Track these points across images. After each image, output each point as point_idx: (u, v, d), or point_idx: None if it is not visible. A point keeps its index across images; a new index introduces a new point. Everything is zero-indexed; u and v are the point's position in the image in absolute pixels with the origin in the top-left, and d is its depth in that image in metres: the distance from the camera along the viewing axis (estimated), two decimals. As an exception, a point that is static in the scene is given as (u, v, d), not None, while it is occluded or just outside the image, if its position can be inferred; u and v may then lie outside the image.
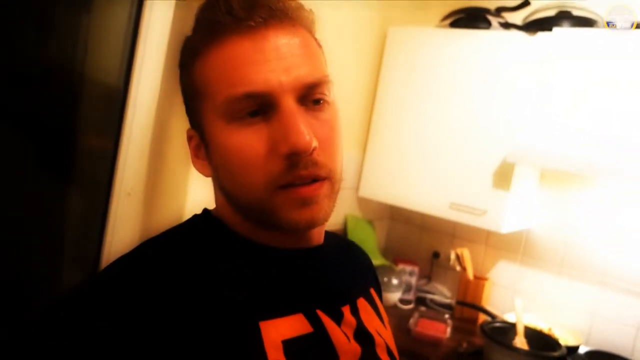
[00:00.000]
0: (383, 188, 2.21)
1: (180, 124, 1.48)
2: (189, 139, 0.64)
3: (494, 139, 1.92)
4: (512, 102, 1.89)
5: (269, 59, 0.55)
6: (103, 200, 1.56)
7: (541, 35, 1.84)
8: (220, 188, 0.63)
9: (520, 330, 1.83)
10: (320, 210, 0.58)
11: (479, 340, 1.92)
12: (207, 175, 0.64)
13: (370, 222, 2.42)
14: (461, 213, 1.98)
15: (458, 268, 2.20)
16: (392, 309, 2.18)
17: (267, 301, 0.58)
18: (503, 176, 1.89)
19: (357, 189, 2.28)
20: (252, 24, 0.55)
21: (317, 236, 0.67)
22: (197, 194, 1.53)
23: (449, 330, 1.96)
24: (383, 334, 0.72)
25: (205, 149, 0.62)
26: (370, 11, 2.18)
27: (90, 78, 1.55)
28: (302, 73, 0.57)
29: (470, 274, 2.17)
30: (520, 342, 1.80)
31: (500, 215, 1.90)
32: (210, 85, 0.57)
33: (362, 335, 0.66)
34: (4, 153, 1.40)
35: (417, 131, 2.11)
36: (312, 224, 0.59)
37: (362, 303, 0.71)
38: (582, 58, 1.80)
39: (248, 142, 0.56)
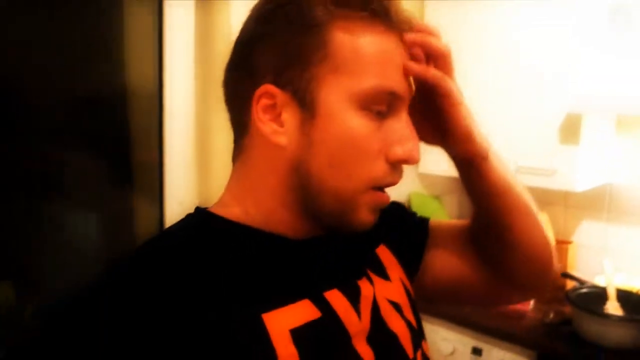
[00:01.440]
0: (445, 161, 2.11)
1: (220, 124, 1.48)
2: (261, 96, 0.56)
3: (555, 91, 1.76)
4: (572, 44, 1.72)
5: (401, 63, 0.58)
6: (158, 210, 1.60)
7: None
8: (292, 161, 0.57)
9: (611, 294, 1.68)
10: (376, 219, 0.60)
11: (567, 309, 1.78)
12: (275, 141, 0.56)
13: (438, 198, 2.32)
14: (529, 176, 1.83)
15: (537, 234, 2.06)
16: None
17: (269, 292, 0.56)
18: (570, 130, 1.74)
19: (417, 164, 2.19)
20: (404, 27, 0.58)
21: None
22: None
23: (532, 301, 1.84)
24: (393, 295, 0.67)
25: (299, 115, 0.56)
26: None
27: (132, 89, 1.60)
28: (412, 89, 0.60)
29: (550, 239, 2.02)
30: (613, 307, 1.65)
31: (572, 172, 1.75)
32: (359, 64, 0.55)
33: (375, 309, 0.63)
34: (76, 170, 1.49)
35: (472, 97, 1.99)
36: (367, 229, 0.60)
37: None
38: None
39: (369, 136, 0.56)
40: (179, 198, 1.56)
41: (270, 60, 0.56)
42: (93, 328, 0.49)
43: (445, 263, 0.76)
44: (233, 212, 0.60)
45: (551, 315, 1.76)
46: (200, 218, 0.62)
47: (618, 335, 1.55)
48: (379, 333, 0.62)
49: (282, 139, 0.56)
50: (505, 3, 1.89)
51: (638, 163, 1.92)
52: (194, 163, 1.55)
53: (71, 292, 0.53)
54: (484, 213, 0.71)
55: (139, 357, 0.48)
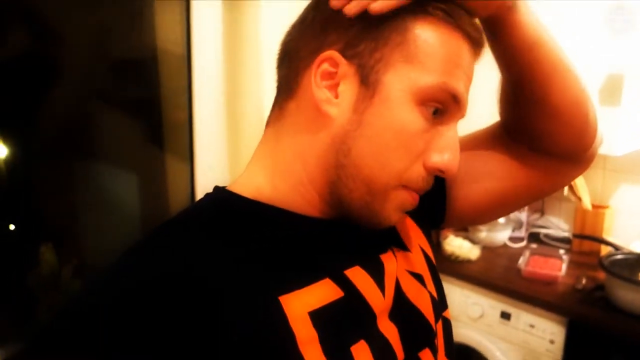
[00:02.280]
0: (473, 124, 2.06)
1: (248, 87, 1.47)
2: (324, 60, 0.54)
3: (596, 50, 1.68)
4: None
5: (469, 78, 0.57)
6: (189, 170, 1.63)
7: None
8: (335, 137, 0.55)
9: (647, 261, 1.64)
10: (402, 218, 0.60)
11: (601, 275, 1.75)
12: (325, 110, 0.55)
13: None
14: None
15: (573, 199, 2.01)
16: (501, 248, 2.06)
17: (288, 273, 0.54)
18: (611, 91, 1.66)
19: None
20: (478, 38, 0.57)
21: None
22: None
23: (564, 267, 1.81)
24: (414, 266, 0.66)
25: (357, 91, 0.54)
26: None
27: (162, 51, 1.61)
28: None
29: (587, 203, 1.97)
30: (648, 274, 1.61)
31: (612, 135, 1.68)
32: (431, 58, 0.53)
33: (397, 284, 0.62)
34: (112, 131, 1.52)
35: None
36: (389, 226, 0.59)
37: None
38: None
39: (418, 133, 0.55)
40: (209, 158, 1.58)
41: (345, 27, 0.54)
42: (111, 309, 0.48)
43: (474, 189, 0.74)
44: (257, 185, 0.59)
45: (583, 282, 1.73)
46: (219, 198, 0.60)
47: (652, 303, 1.51)
48: (402, 308, 0.61)
49: (333, 110, 0.55)
50: None
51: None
52: (223, 124, 1.56)
53: (110, 252, 0.52)
54: (516, 73, 0.65)
55: (157, 340, 0.46)
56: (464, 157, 0.70)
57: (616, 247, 1.82)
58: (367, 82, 0.54)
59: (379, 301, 0.58)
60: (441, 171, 0.57)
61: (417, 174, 0.56)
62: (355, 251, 0.60)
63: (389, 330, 0.58)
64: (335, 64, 0.54)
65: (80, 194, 1.55)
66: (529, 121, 0.69)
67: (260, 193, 0.58)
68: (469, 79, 0.57)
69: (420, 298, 0.64)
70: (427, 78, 0.53)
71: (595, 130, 0.71)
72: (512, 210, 0.87)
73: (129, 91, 1.63)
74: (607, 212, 1.98)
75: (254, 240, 0.56)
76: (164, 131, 1.70)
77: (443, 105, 0.55)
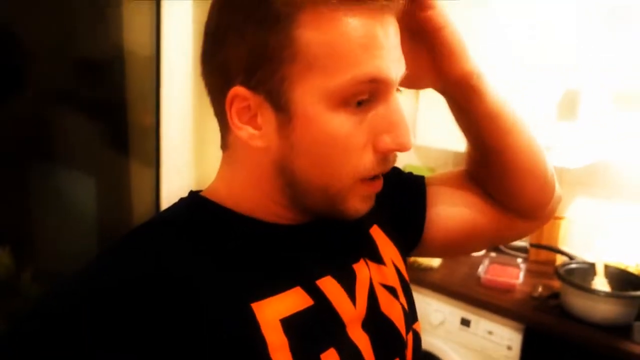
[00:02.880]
0: (442, 134, 2.10)
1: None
2: (233, 99, 0.53)
3: (553, 68, 1.75)
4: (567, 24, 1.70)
5: (389, 47, 0.52)
6: (154, 176, 1.60)
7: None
8: (276, 162, 0.55)
9: (600, 270, 1.70)
10: (371, 204, 0.59)
11: (556, 284, 1.81)
12: (254, 145, 0.54)
13: (432, 170, 2.33)
14: (525, 151, 1.83)
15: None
16: (462, 256, 2.11)
17: (260, 280, 0.55)
18: (568, 106, 1.73)
19: (414, 137, 2.18)
20: (384, 2, 0.51)
21: None
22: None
23: (521, 275, 1.87)
24: (387, 279, 0.67)
25: (274, 118, 0.52)
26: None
27: (129, 52, 1.58)
28: (404, 67, 0.55)
29: (543, 214, 2.03)
30: (601, 282, 1.68)
31: (567, 149, 1.75)
32: (332, 58, 0.49)
33: (371, 294, 0.63)
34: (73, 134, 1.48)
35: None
36: (361, 216, 0.58)
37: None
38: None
39: (351, 132, 0.52)
40: (176, 163, 1.56)
41: (238, 58, 0.52)
42: (92, 308, 0.47)
43: (450, 213, 0.75)
44: (224, 199, 0.59)
45: (540, 290, 1.79)
46: (194, 203, 0.60)
47: (604, 311, 1.57)
48: (375, 318, 0.62)
49: (260, 143, 0.54)
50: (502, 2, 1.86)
51: (633, 141, 1.91)
52: (190, 128, 1.55)
53: (69, 257, 0.52)
54: (481, 140, 0.69)
55: (128, 345, 0.46)
56: (444, 184, 0.76)
57: (571, 257, 1.89)
58: (280, 106, 0.52)
59: (349, 311, 0.59)
60: (395, 150, 0.55)
61: (369, 164, 0.54)
62: (328, 259, 0.61)
63: (361, 340, 0.59)
64: (245, 98, 0.52)
65: (39, 197, 1.51)
66: (491, 179, 0.73)
67: (233, 201, 0.59)
68: (390, 46, 0.52)
69: (393, 309, 0.65)
70: (334, 81, 0.50)
71: (553, 189, 0.75)
72: (476, 248, 0.90)
73: (93, 93, 1.60)
74: (563, 223, 2.05)
75: (228, 246, 0.56)
76: (129, 135, 1.67)
77: (367, 95, 0.52)
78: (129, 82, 1.61)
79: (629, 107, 1.90)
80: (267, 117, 0.53)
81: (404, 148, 0.54)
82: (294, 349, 0.52)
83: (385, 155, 0.55)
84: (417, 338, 0.69)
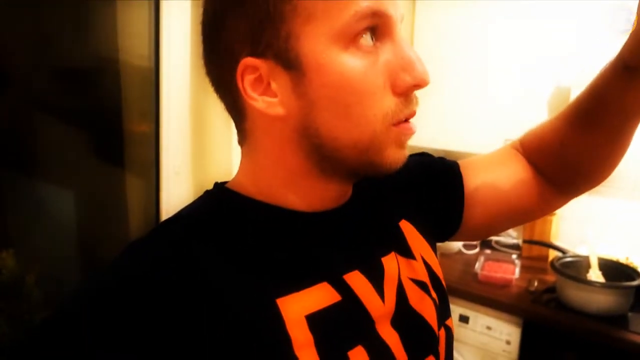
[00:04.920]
0: (433, 134, 2.14)
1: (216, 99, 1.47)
2: (243, 72, 0.52)
3: (545, 65, 1.80)
4: (561, 24, 1.75)
5: None
6: (154, 180, 1.60)
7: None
8: (298, 129, 0.53)
9: (593, 262, 1.74)
10: (406, 155, 0.56)
11: (551, 278, 1.85)
12: (273, 114, 0.52)
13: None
14: (517, 149, 1.88)
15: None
16: (456, 255, 2.14)
17: (285, 275, 0.54)
18: (559, 103, 1.78)
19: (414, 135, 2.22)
20: None
21: (348, 191, 0.62)
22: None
23: (517, 270, 1.90)
24: (417, 274, 0.65)
25: (288, 79, 0.51)
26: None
27: (126, 64, 1.57)
28: (402, 9, 0.53)
29: (535, 211, 2.08)
30: (595, 274, 1.72)
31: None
32: (329, 1, 0.49)
33: (400, 289, 0.61)
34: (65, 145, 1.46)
35: (461, 71, 2.01)
36: (399, 167, 0.55)
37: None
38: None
39: (367, 73, 0.50)
40: (175, 169, 1.56)
41: (241, 33, 0.51)
42: (110, 307, 0.47)
43: (489, 192, 0.75)
44: (249, 188, 0.58)
45: (535, 284, 1.83)
46: (218, 196, 0.59)
47: (599, 302, 1.61)
48: (405, 314, 0.60)
49: (280, 110, 0.52)
50: (498, 4, 1.91)
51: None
52: (190, 134, 1.55)
53: (66, 262, 0.50)
54: (619, 119, 0.68)
55: (152, 341, 0.45)
56: (484, 169, 0.76)
57: (563, 251, 1.93)
58: (291, 64, 0.50)
59: (378, 306, 0.57)
60: (416, 87, 0.52)
61: (393, 106, 0.52)
62: (355, 252, 0.59)
63: (390, 337, 0.58)
64: (254, 69, 0.52)
65: (38, 204, 1.49)
66: (592, 143, 0.72)
67: (258, 189, 0.58)
68: None
69: (423, 305, 0.63)
70: (338, 21, 0.49)
71: None
72: (510, 225, 0.88)
73: (85, 101, 1.58)
74: (554, 219, 2.10)
75: (253, 240, 0.55)
76: (125, 143, 1.66)
77: (373, 25, 0.51)
78: (124, 90, 1.60)
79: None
80: (281, 81, 0.52)
81: (423, 82, 0.52)
82: (319, 346, 0.51)
83: (407, 96, 0.53)
84: (449, 334, 0.67)
